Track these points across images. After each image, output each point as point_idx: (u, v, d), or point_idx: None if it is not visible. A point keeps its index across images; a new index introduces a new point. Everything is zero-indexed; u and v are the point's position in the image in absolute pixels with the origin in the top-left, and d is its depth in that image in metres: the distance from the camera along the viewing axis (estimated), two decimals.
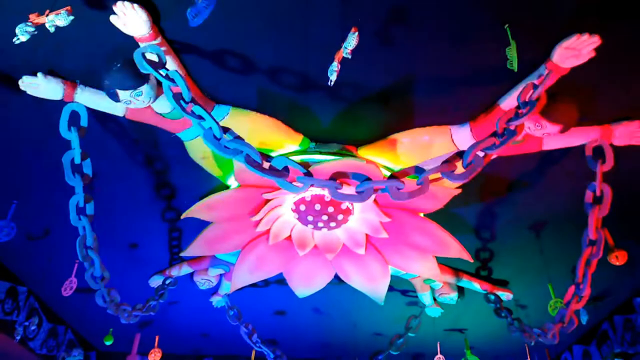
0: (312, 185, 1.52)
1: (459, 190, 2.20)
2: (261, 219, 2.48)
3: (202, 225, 2.53)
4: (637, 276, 3.24)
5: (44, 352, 3.86)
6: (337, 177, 1.54)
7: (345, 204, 2.35)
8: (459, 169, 1.49)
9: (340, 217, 2.38)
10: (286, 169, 1.52)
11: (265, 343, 3.49)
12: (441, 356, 3.40)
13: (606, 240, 2.10)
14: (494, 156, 1.95)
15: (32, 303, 3.61)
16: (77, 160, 1.87)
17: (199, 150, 2.28)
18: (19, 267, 3.41)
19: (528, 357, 3.09)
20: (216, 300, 3.46)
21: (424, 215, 2.43)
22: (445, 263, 2.97)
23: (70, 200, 1.92)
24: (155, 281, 3.23)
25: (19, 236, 2.72)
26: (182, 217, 2.37)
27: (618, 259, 2.17)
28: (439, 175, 1.49)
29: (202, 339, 4.55)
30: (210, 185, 2.61)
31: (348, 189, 1.58)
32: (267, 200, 2.41)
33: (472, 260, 2.42)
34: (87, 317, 4.00)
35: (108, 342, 3.18)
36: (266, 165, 1.51)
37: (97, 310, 2.98)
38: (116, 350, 4.71)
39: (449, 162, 1.48)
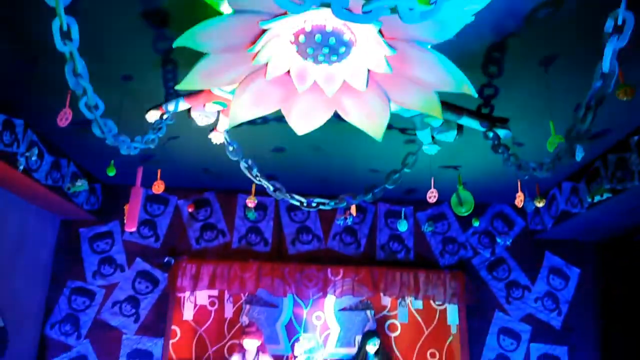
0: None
1: (472, 18, 2.04)
2: (258, 51, 2.35)
3: (196, 57, 2.41)
4: (637, 115, 3.23)
5: (50, 183, 3.99)
6: None
7: (348, 36, 2.21)
8: None
9: (342, 49, 2.25)
10: None
11: (265, 177, 3.59)
12: (434, 190, 3.52)
13: (616, 75, 2.02)
14: None
15: (30, 136, 3.62)
16: None
17: None
18: (11, 99, 3.35)
19: (519, 190, 3.21)
20: (215, 138, 3.46)
21: (431, 47, 2.30)
22: (447, 100, 2.91)
23: (53, 23, 1.77)
24: (152, 116, 3.19)
25: (8, 67, 2.62)
26: (174, 45, 2.23)
27: (626, 94, 2.11)
28: None
29: (204, 174, 4.70)
30: (202, 12, 2.43)
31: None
32: (264, 31, 2.25)
33: (476, 96, 2.35)
34: (87, 150, 4.06)
35: (111, 173, 3.26)
36: None
37: (97, 143, 3.01)
38: (120, 183, 4.90)
39: None
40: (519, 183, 3.32)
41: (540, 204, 3.45)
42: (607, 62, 1.84)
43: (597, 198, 3.67)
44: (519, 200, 3.26)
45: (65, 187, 4.16)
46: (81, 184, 3.82)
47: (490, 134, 3.00)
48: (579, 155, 2.61)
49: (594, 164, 3.90)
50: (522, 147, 3.55)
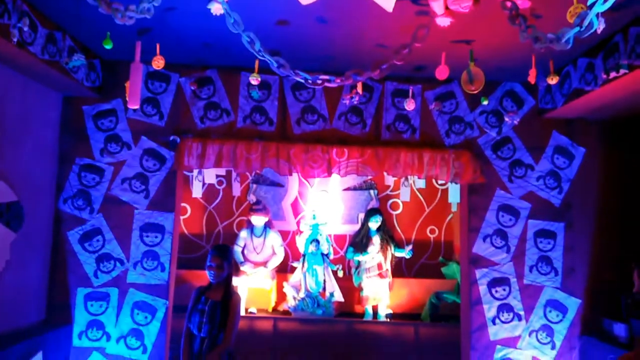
0: None
1: None
2: None
3: None
4: None
5: (47, 58, 3.87)
6: None
7: None
8: None
9: None
10: None
11: (268, 52, 3.45)
12: (445, 66, 3.40)
13: None
14: None
15: (20, 5, 3.43)
16: None
17: None
18: None
19: (533, 67, 3.08)
20: (215, 8, 3.27)
21: None
22: None
23: None
24: None
25: None
26: None
27: None
28: None
29: (204, 49, 4.53)
30: None
31: None
32: None
33: None
34: (82, 22, 3.87)
35: (107, 46, 3.13)
36: None
37: (91, 15, 2.85)
38: (120, 59, 4.76)
39: None
40: (533, 58, 3.18)
41: (553, 81, 3.34)
42: None
43: (612, 74, 3.53)
44: (532, 76, 3.15)
45: (62, 62, 4.04)
46: (78, 58, 3.69)
47: (508, 4, 2.81)
48: (601, 27, 2.46)
49: (613, 37, 3.71)
50: (540, 19, 3.35)
